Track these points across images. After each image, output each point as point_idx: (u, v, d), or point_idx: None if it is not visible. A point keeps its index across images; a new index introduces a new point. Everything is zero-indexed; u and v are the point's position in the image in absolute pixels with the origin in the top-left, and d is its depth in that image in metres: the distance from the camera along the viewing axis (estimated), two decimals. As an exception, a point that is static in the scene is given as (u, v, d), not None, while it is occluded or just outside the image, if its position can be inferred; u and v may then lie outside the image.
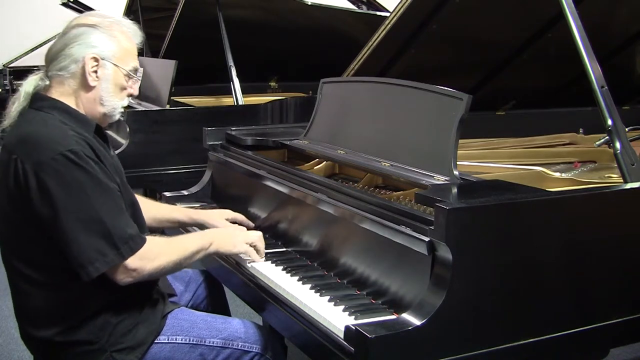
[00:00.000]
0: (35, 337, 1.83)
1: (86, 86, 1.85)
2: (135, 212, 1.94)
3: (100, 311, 1.80)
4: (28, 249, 1.78)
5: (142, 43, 1.96)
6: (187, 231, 2.31)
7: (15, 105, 1.86)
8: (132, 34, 1.92)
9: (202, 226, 2.27)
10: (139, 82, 1.96)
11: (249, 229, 2.22)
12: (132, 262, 1.74)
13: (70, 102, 1.85)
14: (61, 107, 1.83)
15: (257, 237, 2.06)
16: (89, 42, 1.84)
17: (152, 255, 1.78)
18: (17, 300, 1.87)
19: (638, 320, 1.82)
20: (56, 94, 1.85)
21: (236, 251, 2.02)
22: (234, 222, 2.29)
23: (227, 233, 2.07)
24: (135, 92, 1.94)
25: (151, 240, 1.81)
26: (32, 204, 1.71)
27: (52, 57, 1.86)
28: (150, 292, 1.92)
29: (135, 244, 1.75)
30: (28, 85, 1.87)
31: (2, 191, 1.79)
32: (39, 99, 1.85)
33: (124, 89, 1.91)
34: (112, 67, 1.86)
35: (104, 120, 1.92)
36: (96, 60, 1.84)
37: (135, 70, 1.92)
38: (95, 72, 1.84)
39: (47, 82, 1.86)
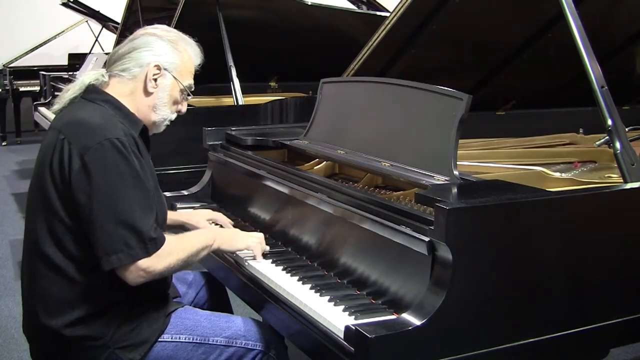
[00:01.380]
0: (45, 326, 1.82)
1: (144, 91, 1.92)
2: (164, 218, 1.98)
3: (108, 308, 1.82)
4: (60, 233, 1.79)
5: (200, 65, 2.04)
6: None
7: (69, 93, 1.92)
8: (194, 54, 2.01)
9: (184, 227, 2.28)
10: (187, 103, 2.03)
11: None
12: (145, 261, 1.76)
13: (125, 102, 1.91)
14: (114, 102, 1.89)
15: (258, 238, 2.08)
16: (156, 51, 1.92)
17: (163, 254, 1.80)
18: (34, 285, 1.86)
19: (638, 320, 1.82)
20: (113, 91, 1.91)
21: (238, 247, 2.04)
22: (214, 222, 2.33)
23: (230, 231, 2.11)
24: (184, 110, 2.02)
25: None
26: (71, 187, 1.75)
27: (116, 59, 1.93)
28: (155, 291, 1.92)
29: (160, 243, 1.78)
30: (87, 77, 1.93)
31: (45, 171, 1.81)
32: (93, 91, 1.91)
33: (176, 102, 1.98)
34: (171, 79, 1.94)
35: (151, 128, 1.98)
36: (159, 68, 1.91)
37: (190, 88, 1.99)
38: (155, 80, 1.92)
39: (106, 80, 1.92)
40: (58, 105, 1.92)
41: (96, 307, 1.81)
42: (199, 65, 2.03)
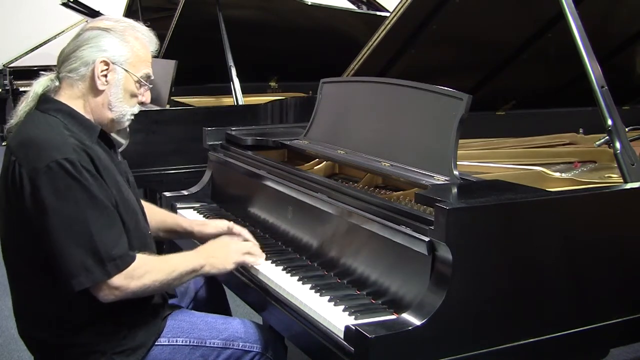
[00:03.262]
0: (35, 337, 1.83)
1: (95, 90, 1.82)
2: (137, 223, 1.89)
3: (99, 316, 1.78)
4: (28, 250, 1.77)
5: (157, 50, 1.94)
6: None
7: (23, 105, 1.86)
8: (146, 41, 1.90)
9: (192, 235, 2.20)
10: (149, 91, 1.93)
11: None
12: (116, 279, 1.70)
13: (78, 105, 1.83)
14: (66, 110, 1.81)
15: (250, 246, 2.03)
16: (101, 46, 1.82)
17: (138, 274, 1.74)
18: (16, 300, 1.87)
19: (638, 320, 1.82)
20: (65, 96, 1.84)
21: (230, 268, 1.96)
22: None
23: (221, 251, 1.97)
24: (147, 100, 1.92)
25: (140, 258, 1.76)
26: (25, 210, 1.70)
27: (63, 59, 1.85)
28: (150, 296, 1.89)
29: (123, 263, 1.71)
30: (38, 86, 1.85)
31: (2, 197, 1.79)
32: (45, 101, 1.84)
33: (134, 95, 1.88)
34: (122, 73, 1.84)
35: (112, 126, 1.90)
36: (106, 64, 1.81)
37: (148, 78, 1.89)
38: (105, 76, 1.82)
39: (57, 84, 1.85)
40: (14, 119, 1.85)
41: (82, 318, 1.78)
42: (156, 50, 1.93)
